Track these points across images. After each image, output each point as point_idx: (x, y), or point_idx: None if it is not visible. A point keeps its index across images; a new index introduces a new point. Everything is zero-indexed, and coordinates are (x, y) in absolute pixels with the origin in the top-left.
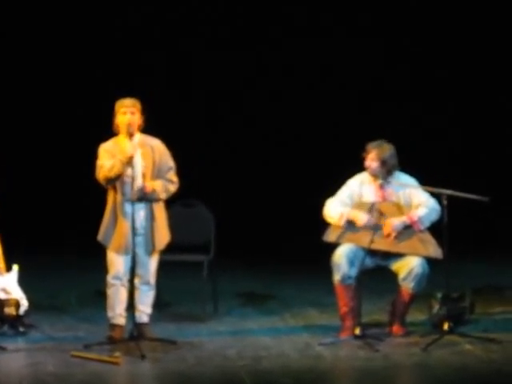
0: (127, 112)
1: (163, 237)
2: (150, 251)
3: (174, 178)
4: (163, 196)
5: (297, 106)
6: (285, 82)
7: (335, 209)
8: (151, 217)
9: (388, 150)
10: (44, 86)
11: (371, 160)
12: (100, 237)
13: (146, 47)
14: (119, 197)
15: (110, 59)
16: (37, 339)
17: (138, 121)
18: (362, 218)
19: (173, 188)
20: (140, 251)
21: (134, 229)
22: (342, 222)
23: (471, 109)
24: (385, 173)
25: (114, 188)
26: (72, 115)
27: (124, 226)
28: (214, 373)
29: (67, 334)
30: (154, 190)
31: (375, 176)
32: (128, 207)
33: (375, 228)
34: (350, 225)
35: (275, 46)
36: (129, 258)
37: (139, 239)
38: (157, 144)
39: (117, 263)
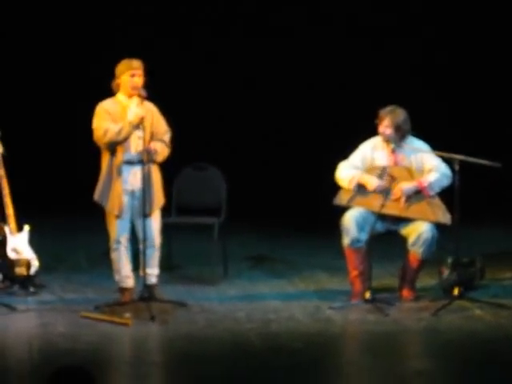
0: (136, 74)
1: (160, 198)
2: (147, 213)
3: (169, 142)
4: (160, 159)
5: (310, 71)
6: (299, 43)
7: (346, 172)
8: (149, 178)
9: (401, 115)
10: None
11: (385, 127)
12: (96, 196)
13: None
14: (119, 159)
15: (103, 17)
16: (47, 300)
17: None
18: (372, 182)
19: (167, 152)
20: (138, 213)
21: (144, 189)
22: (353, 186)
23: (485, 73)
24: (399, 138)
25: (113, 150)
26: (75, 75)
27: (119, 188)
28: (223, 335)
29: (77, 294)
30: (156, 152)
31: (388, 141)
32: (127, 169)
33: (385, 193)
34: (361, 188)
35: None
36: (126, 219)
37: (136, 202)
38: (152, 107)
39: (115, 226)
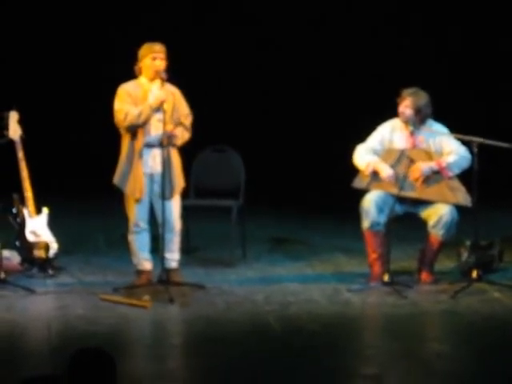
0: (157, 58)
1: (180, 181)
2: (168, 196)
3: (190, 126)
4: (180, 142)
5: (328, 52)
6: (315, 26)
7: (363, 157)
8: (168, 162)
9: (423, 98)
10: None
11: (405, 107)
12: (116, 180)
13: None
14: (139, 142)
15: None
16: (66, 282)
17: (165, 66)
18: (385, 171)
19: (187, 136)
20: (157, 197)
21: (163, 172)
22: (369, 172)
23: (503, 59)
24: (418, 121)
25: (134, 133)
26: (93, 57)
27: (140, 170)
28: (242, 318)
29: (96, 277)
30: (176, 136)
31: (407, 123)
32: (147, 152)
33: (403, 176)
34: (376, 175)
35: None
36: (146, 202)
37: (157, 185)
38: (175, 90)
39: (134, 209)
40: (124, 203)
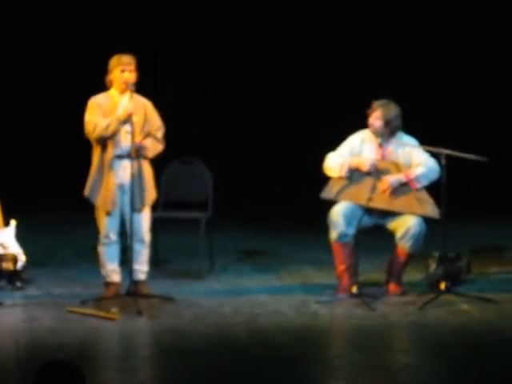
0: (126, 70)
1: (151, 193)
2: (139, 208)
3: (162, 139)
4: (151, 155)
5: (298, 62)
6: (287, 36)
7: (335, 160)
8: (139, 174)
9: (394, 110)
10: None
11: (375, 118)
12: (87, 192)
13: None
14: (109, 153)
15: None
16: (34, 294)
17: (135, 78)
18: (365, 162)
19: (159, 148)
20: (129, 209)
21: (132, 184)
22: (344, 173)
23: (473, 70)
24: (387, 133)
25: (104, 145)
26: (65, 69)
27: (111, 182)
28: (210, 329)
29: (64, 289)
30: (146, 148)
31: (376, 134)
32: (117, 164)
33: (378, 174)
34: (352, 174)
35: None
36: (116, 214)
37: (127, 197)
38: (147, 102)
39: (105, 221)
40: (95, 215)
